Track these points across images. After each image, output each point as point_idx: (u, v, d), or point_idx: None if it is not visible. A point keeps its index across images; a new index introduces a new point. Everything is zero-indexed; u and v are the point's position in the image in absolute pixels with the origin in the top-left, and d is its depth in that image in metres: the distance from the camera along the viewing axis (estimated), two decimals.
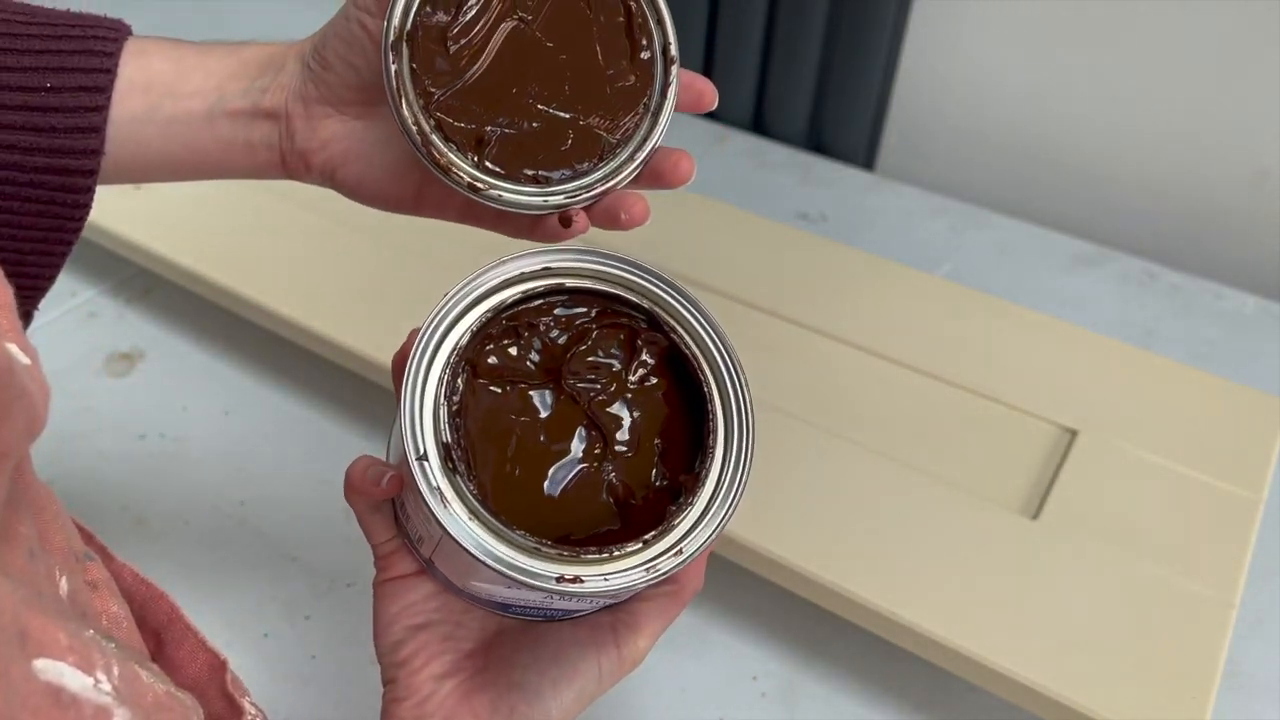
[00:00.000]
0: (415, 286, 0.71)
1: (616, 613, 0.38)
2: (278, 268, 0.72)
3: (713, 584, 0.64)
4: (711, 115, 1.08)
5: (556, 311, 0.35)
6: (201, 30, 1.19)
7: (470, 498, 0.32)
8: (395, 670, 0.37)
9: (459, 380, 0.34)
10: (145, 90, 0.41)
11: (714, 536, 0.33)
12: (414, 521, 0.35)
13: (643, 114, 0.38)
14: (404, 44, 0.36)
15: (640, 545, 0.32)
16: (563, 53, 0.38)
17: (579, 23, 0.38)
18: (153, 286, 0.83)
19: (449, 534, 0.31)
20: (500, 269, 0.35)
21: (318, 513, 0.66)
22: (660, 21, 0.38)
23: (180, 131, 0.41)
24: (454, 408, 0.33)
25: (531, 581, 0.31)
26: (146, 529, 0.65)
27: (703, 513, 0.33)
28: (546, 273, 0.35)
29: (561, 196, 0.37)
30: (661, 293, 0.36)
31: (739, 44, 1.02)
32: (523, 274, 0.35)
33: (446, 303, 0.34)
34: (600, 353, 0.35)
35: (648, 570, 0.32)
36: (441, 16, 0.37)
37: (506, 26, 0.37)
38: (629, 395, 0.35)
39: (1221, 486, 0.61)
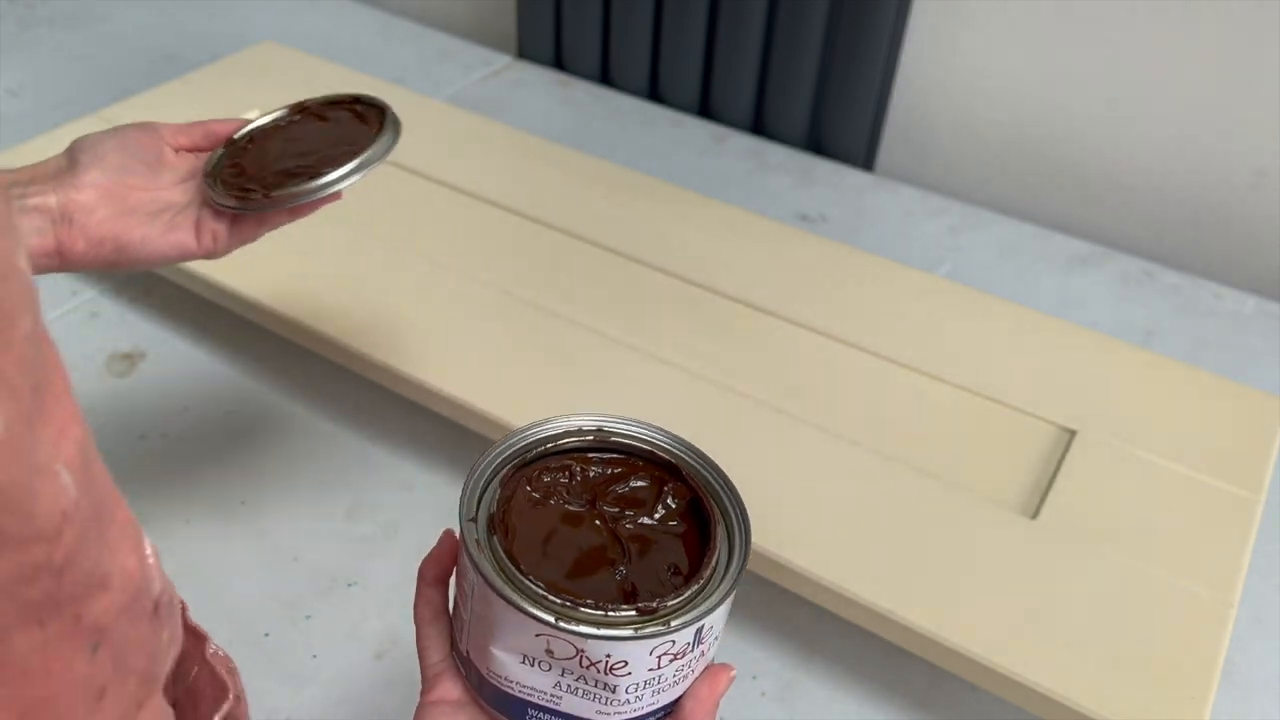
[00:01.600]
0: (416, 287, 0.72)
1: None
2: (279, 268, 0.72)
3: None
4: (711, 115, 1.09)
5: (602, 455, 0.43)
6: (201, 28, 1.19)
7: (501, 552, 0.37)
8: None
9: (515, 485, 0.40)
10: None
11: (696, 618, 0.36)
12: (460, 592, 0.41)
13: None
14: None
15: (634, 613, 0.36)
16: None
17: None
18: (154, 287, 0.83)
19: (480, 573, 0.37)
20: (562, 422, 0.42)
21: (318, 512, 0.66)
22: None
23: None
24: (505, 498, 0.40)
25: (533, 610, 0.36)
26: (147, 529, 0.64)
27: (692, 599, 0.37)
28: (600, 431, 0.43)
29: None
30: (685, 454, 0.42)
31: (739, 45, 1.02)
32: (582, 429, 0.43)
33: (518, 435, 0.42)
34: (631, 488, 0.42)
35: (635, 629, 0.36)
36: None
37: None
38: (652, 527, 0.40)
39: (1220, 486, 0.61)
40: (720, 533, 0.39)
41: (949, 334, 0.71)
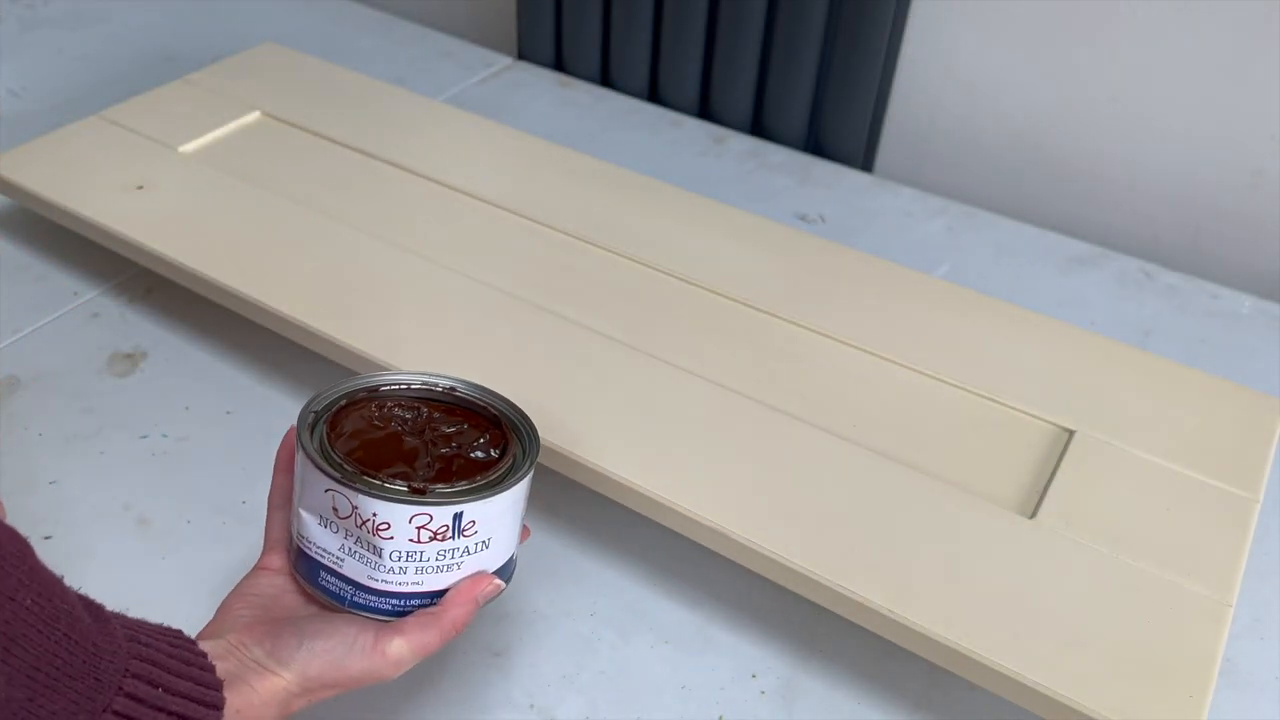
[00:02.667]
0: (417, 287, 0.72)
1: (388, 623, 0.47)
2: (280, 268, 0.73)
3: (712, 582, 0.64)
4: (711, 116, 1.09)
5: (443, 404, 0.52)
6: (201, 29, 1.19)
7: (324, 434, 0.47)
8: (219, 612, 0.48)
9: (360, 405, 0.50)
10: None
11: (454, 501, 0.45)
12: (295, 479, 0.49)
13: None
14: None
15: (405, 488, 0.45)
16: None
17: None
18: (155, 287, 0.83)
19: (300, 443, 0.47)
20: (423, 375, 0.52)
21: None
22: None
23: None
24: (346, 407, 0.49)
25: (325, 467, 0.45)
26: (149, 528, 0.65)
27: (458, 492, 0.46)
28: (451, 389, 0.52)
29: None
30: (508, 410, 0.52)
31: (738, 46, 1.02)
32: (438, 385, 0.52)
33: (379, 374, 0.52)
34: (456, 429, 0.50)
35: (399, 497, 0.44)
36: None
37: None
38: (459, 453, 0.49)
39: (1218, 486, 0.61)
40: (508, 459, 0.48)
41: (947, 334, 0.71)
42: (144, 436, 0.71)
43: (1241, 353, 0.83)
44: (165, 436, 0.71)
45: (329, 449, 0.46)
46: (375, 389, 0.51)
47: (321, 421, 0.48)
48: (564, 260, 0.76)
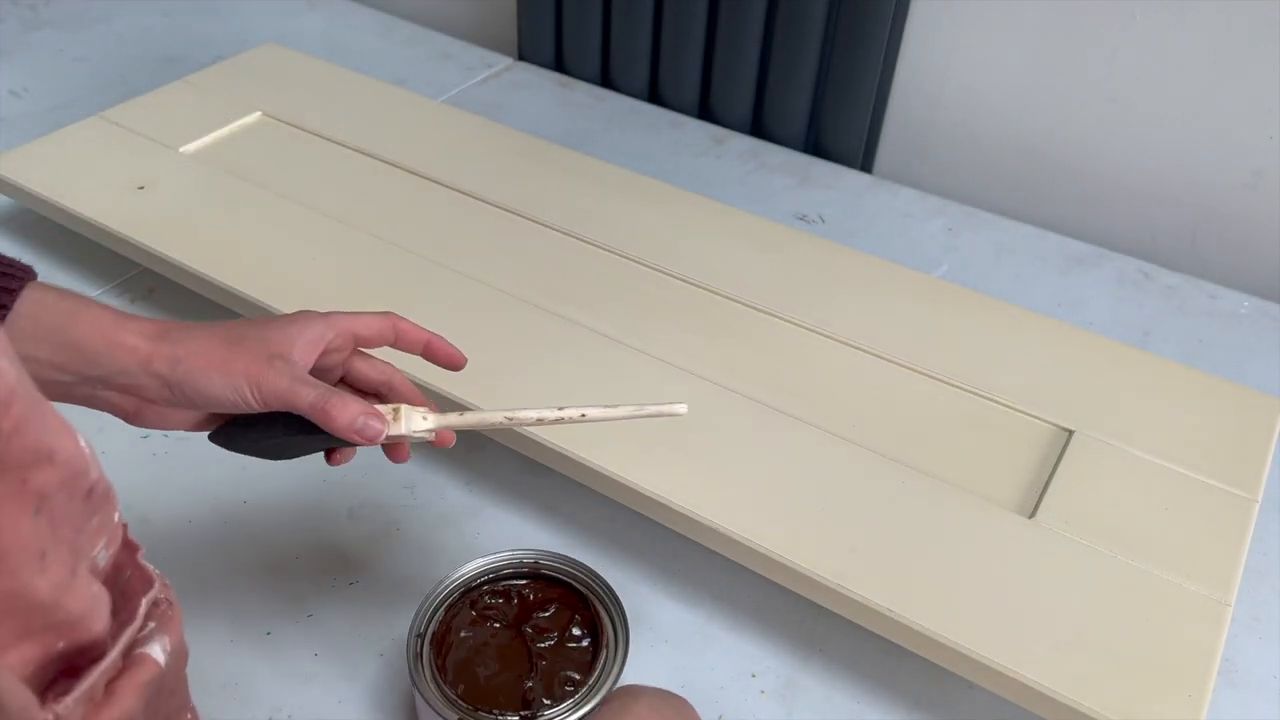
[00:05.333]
0: (417, 288, 0.72)
1: None
2: (280, 268, 0.73)
3: (712, 582, 0.64)
4: (711, 117, 1.09)
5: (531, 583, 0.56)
6: (202, 30, 1.19)
7: (433, 665, 0.51)
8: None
9: (458, 607, 0.54)
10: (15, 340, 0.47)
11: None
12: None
13: None
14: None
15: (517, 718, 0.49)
16: None
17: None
18: (156, 286, 0.83)
19: (413, 681, 0.50)
20: (505, 555, 0.56)
21: (320, 511, 0.67)
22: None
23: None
24: (448, 619, 0.53)
25: (444, 711, 0.49)
26: (150, 528, 0.65)
27: (564, 710, 0.49)
28: (536, 565, 0.55)
29: None
30: (595, 584, 0.55)
31: (738, 47, 1.02)
32: (522, 561, 0.56)
33: (467, 566, 0.55)
34: (549, 614, 0.54)
35: None
36: None
37: None
38: (558, 647, 0.53)
39: (1217, 485, 0.61)
40: (602, 658, 0.51)
41: (947, 334, 0.71)
42: (145, 436, 0.71)
43: (1240, 353, 0.83)
44: (166, 436, 0.71)
45: (442, 686, 0.50)
46: (469, 585, 0.54)
47: (427, 644, 0.51)
48: (564, 260, 0.76)
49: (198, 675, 0.57)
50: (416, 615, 0.53)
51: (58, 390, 0.46)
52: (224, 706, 0.56)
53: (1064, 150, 0.97)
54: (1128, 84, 0.91)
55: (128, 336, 0.46)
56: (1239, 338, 0.85)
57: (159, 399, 0.47)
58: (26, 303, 0.45)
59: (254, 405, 0.47)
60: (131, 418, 0.49)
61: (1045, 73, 0.94)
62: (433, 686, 0.50)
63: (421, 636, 0.52)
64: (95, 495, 0.29)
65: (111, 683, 0.30)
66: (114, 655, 0.29)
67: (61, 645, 0.27)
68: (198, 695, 0.58)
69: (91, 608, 0.29)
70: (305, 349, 0.48)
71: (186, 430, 0.51)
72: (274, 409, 0.47)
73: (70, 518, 0.28)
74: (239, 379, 0.46)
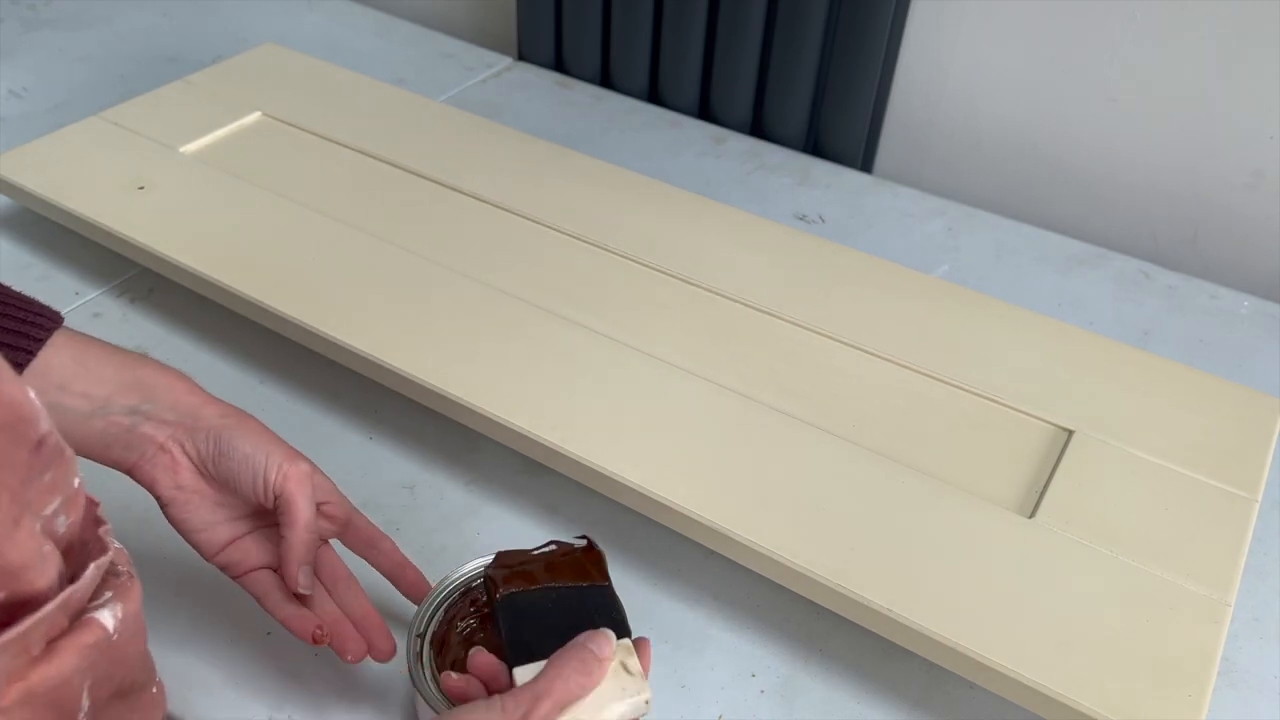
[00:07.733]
0: (417, 288, 0.72)
1: None
2: (281, 268, 0.73)
3: (712, 582, 0.64)
4: (711, 117, 1.09)
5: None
6: (202, 30, 1.19)
7: (433, 664, 0.52)
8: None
9: (456, 607, 0.55)
10: (42, 376, 0.48)
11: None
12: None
13: None
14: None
15: None
16: None
17: None
18: (156, 287, 0.83)
19: (413, 680, 0.51)
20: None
21: None
22: None
23: (60, 419, 0.47)
24: (449, 618, 0.54)
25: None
26: (150, 528, 0.65)
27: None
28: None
29: None
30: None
31: (738, 47, 1.02)
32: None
33: (467, 566, 0.55)
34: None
35: None
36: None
37: None
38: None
39: (1217, 485, 0.61)
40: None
41: (947, 334, 0.71)
42: None
43: (1240, 352, 0.83)
44: None
45: (443, 686, 0.50)
46: (469, 585, 0.54)
47: (427, 644, 0.52)
48: (563, 260, 0.76)
49: (198, 675, 0.57)
50: (416, 615, 0.53)
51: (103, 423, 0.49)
52: (224, 706, 0.56)
53: (1064, 150, 0.97)
54: (1128, 84, 0.91)
55: (196, 393, 0.52)
56: (1239, 338, 0.85)
57: (193, 452, 0.51)
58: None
59: (270, 478, 0.50)
60: (167, 506, 0.52)
61: (1045, 73, 0.94)
62: (433, 686, 0.50)
63: (421, 636, 0.52)
64: (46, 449, 0.29)
65: (54, 641, 0.30)
66: (50, 608, 0.29)
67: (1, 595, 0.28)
68: (198, 695, 0.58)
69: (35, 563, 0.29)
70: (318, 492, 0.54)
71: (210, 553, 0.53)
72: (280, 508, 0.51)
73: (14, 466, 0.28)
74: (275, 452, 0.50)
